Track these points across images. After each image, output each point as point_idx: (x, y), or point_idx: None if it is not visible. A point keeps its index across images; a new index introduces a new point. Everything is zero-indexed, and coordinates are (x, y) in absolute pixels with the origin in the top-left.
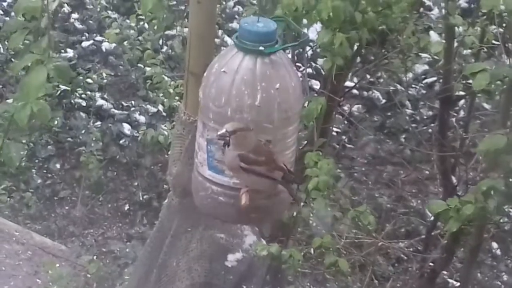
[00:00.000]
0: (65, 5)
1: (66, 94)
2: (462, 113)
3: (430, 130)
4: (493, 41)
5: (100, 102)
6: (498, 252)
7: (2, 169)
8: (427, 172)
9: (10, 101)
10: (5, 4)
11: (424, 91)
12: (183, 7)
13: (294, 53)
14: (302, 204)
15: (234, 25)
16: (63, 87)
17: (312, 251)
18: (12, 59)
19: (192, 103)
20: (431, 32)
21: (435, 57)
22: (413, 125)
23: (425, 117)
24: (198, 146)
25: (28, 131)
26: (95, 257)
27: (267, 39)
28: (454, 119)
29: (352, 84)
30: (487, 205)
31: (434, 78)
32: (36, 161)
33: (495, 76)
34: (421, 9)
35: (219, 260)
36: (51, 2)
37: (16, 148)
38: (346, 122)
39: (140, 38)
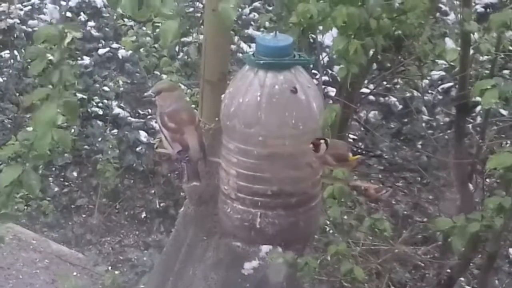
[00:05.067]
0: (82, 13)
1: (83, 103)
2: (478, 119)
3: (446, 137)
4: (510, 48)
5: (116, 110)
6: None
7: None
8: (443, 179)
9: (30, 128)
10: (21, 12)
11: (440, 97)
12: (199, 14)
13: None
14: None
15: (250, 31)
16: (80, 95)
17: (329, 258)
18: (29, 67)
19: (207, 111)
20: (447, 39)
21: (451, 63)
22: (430, 131)
23: (441, 123)
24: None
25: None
26: (110, 266)
27: (276, 53)
28: (470, 126)
29: (368, 91)
30: (493, 224)
31: (451, 84)
32: (53, 169)
33: (503, 93)
34: (438, 14)
35: (235, 268)
36: (64, 37)
37: (36, 175)
38: (362, 129)
39: (156, 45)
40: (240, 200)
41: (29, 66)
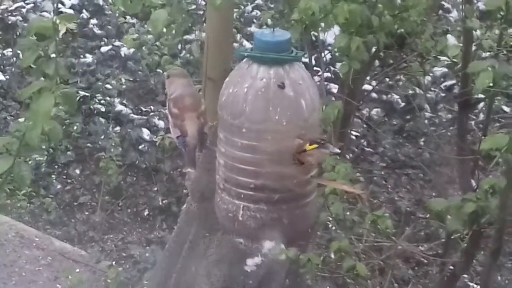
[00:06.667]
0: (84, 11)
1: (85, 100)
2: (481, 116)
3: (449, 134)
4: None
5: (119, 107)
6: None
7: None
8: (446, 175)
9: (22, 119)
10: (23, 10)
11: (443, 94)
12: (201, 12)
13: (312, 57)
14: (190, 170)
15: (252, 29)
16: (82, 92)
17: (332, 255)
18: (32, 66)
19: (209, 108)
20: (449, 35)
21: (454, 60)
22: (432, 128)
23: (444, 120)
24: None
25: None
26: (114, 262)
27: (270, 48)
28: (473, 122)
29: (371, 88)
30: (488, 203)
31: (453, 81)
32: (56, 166)
33: (498, 74)
34: (440, 12)
35: (238, 264)
36: (59, 29)
37: (27, 166)
38: (365, 126)
39: (158, 43)
40: (227, 191)
41: (32, 65)
